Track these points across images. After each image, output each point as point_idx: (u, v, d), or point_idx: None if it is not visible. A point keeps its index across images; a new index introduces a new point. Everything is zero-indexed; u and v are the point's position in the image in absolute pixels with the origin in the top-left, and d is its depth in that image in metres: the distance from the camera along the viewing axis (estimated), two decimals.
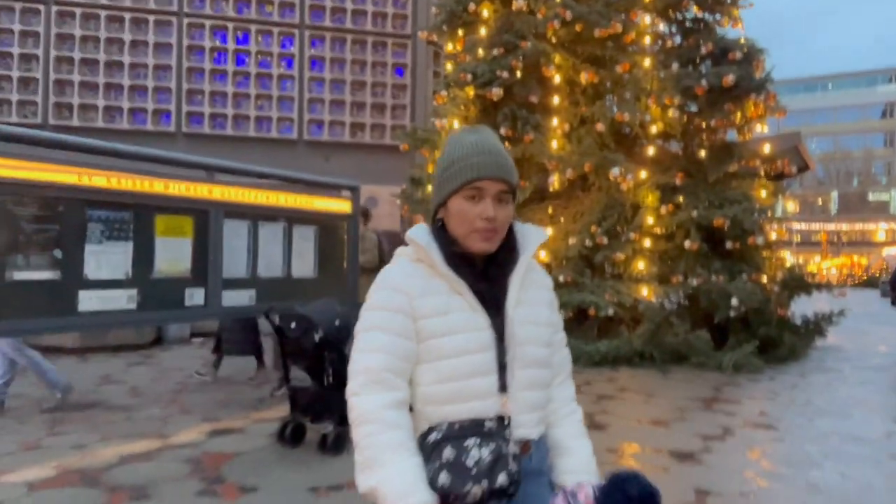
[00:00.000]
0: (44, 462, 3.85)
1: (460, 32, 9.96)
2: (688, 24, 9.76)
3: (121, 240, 4.53)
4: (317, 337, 4.11)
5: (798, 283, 9.12)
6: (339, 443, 4.12)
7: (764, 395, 6.39)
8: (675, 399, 6.04)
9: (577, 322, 7.94)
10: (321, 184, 6.59)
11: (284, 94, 12.61)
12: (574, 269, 8.21)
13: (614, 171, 8.20)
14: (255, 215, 5.55)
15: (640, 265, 8.42)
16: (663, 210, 8.44)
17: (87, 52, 11.78)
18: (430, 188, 9.64)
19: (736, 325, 8.30)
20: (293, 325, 4.19)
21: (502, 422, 1.25)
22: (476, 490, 1.13)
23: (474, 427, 1.22)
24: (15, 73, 11.55)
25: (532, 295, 1.39)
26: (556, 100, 8.88)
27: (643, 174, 8.58)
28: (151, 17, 11.96)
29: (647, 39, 9.21)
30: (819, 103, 59.18)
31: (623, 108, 8.65)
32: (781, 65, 10.06)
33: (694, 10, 9.60)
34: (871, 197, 55.76)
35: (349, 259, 6.52)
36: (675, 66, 8.84)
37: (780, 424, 5.21)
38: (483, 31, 9.26)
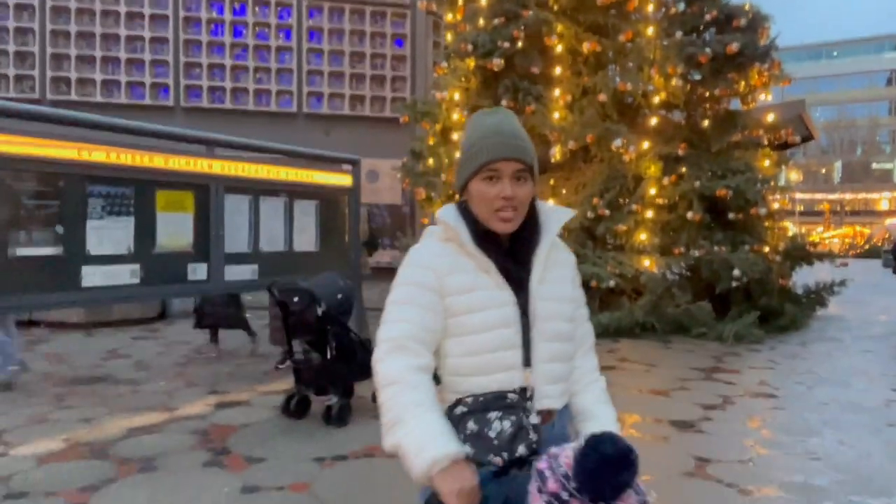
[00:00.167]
0: (53, 435, 3.90)
1: (460, 1, 9.80)
2: None
3: (122, 215, 4.54)
4: (319, 311, 4.14)
5: (800, 254, 9.13)
6: (342, 414, 4.17)
7: (764, 364, 6.43)
8: (676, 369, 6.08)
9: None
10: (322, 157, 6.57)
11: (283, 67, 12.49)
12: (576, 240, 8.19)
13: (616, 142, 8.15)
14: (256, 190, 5.55)
15: (642, 236, 8.41)
16: (666, 181, 8.40)
17: (82, 26, 11.65)
18: (430, 161, 9.59)
19: (737, 296, 8.32)
20: (296, 299, 4.21)
21: (525, 393, 1.31)
22: (497, 460, 1.20)
23: (497, 400, 1.27)
24: (11, 48, 11.45)
25: (556, 273, 1.44)
26: (557, 70, 8.76)
27: (645, 145, 8.52)
28: None
29: (651, 7, 9.04)
30: (824, 71, 58.31)
31: (626, 77, 8.55)
32: (786, 31, 9.90)
33: None
34: (875, 166, 55.33)
35: (350, 233, 6.53)
36: (678, 34, 8.70)
37: (780, 393, 5.25)
38: (483, 0, 9.11)
